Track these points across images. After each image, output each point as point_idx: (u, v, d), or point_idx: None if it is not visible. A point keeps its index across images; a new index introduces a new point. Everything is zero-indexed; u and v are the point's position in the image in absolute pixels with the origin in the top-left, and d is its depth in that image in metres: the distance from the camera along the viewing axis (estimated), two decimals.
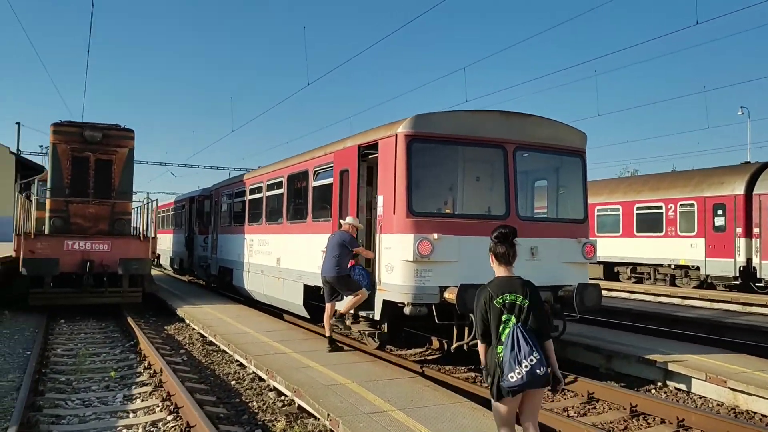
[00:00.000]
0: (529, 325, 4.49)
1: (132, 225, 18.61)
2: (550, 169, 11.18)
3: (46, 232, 16.03)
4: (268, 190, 15.35)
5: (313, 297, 12.13)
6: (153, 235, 17.36)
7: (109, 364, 10.38)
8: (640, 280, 24.82)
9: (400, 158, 9.31)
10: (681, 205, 22.76)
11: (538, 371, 4.31)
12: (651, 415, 7.98)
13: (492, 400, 4.63)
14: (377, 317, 9.79)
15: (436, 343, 12.14)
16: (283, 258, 13.89)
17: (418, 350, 12.14)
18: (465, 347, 9.30)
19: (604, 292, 11.02)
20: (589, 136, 10.67)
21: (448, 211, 10.27)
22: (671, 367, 9.34)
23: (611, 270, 25.79)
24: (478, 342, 4.72)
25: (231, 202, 18.96)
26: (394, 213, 9.34)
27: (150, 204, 17.54)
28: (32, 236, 15.32)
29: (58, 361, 10.58)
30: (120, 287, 16.16)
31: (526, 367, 4.29)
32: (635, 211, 24.58)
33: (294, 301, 13.20)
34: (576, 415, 8.19)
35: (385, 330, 10.05)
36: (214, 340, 11.95)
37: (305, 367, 8.93)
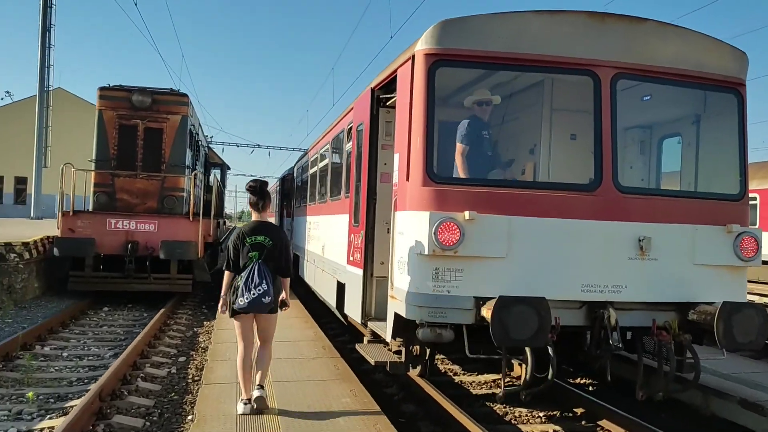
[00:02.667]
0: (269, 262, 5.52)
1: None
2: (678, 110, 7.11)
3: (90, 208, 14.40)
4: (320, 161, 12.46)
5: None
6: (212, 215, 15.23)
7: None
8: None
9: (417, 91, 5.87)
10: None
11: (263, 300, 5.37)
12: None
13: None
14: (387, 336, 6.48)
15: (517, 369, 8.59)
16: (326, 245, 10.94)
17: (489, 378, 8.63)
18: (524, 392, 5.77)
19: None
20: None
21: (494, 177, 6.64)
22: None
23: None
24: (226, 271, 5.63)
25: (300, 179, 16.37)
26: (407, 179, 5.95)
27: (204, 177, 15.35)
28: (71, 213, 13.71)
29: None
30: (169, 273, 14.21)
31: (253, 294, 5.34)
32: None
33: (331, 300, 10.21)
34: None
35: (405, 353, 6.68)
36: None
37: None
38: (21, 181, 44.67)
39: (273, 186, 30.29)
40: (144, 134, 14.58)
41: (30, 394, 6.99)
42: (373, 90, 7.37)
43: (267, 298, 5.36)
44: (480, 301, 5.60)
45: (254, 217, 5.78)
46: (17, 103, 45.79)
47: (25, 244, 13.70)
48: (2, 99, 54.21)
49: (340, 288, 9.24)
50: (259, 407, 5.61)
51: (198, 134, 17.47)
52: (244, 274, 5.40)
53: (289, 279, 5.84)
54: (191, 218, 14.24)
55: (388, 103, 7.31)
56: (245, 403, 5.65)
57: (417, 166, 5.79)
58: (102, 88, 14.58)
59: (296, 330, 9.90)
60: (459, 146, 6.24)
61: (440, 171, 5.88)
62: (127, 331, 11.57)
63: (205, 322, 12.69)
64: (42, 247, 14.41)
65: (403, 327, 6.16)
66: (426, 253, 5.55)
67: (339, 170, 10.06)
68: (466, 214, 5.53)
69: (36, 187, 30.05)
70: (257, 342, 5.78)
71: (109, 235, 13.75)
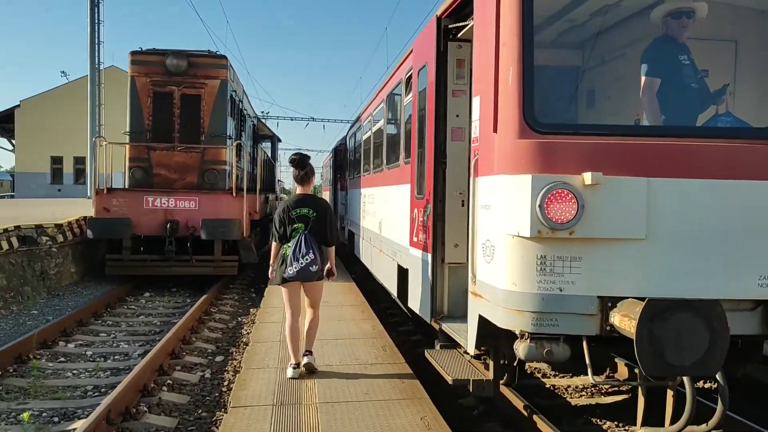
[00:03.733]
0: (314, 233, 5.63)
1: (241, 178, 15.29)
2: None
3: (126, 186, 13.21)
4: (373, 125, 10.77)
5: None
6: (257, 189, 13.83)
7: None
8: None
9: (507, 10, 4.06)
10: None
11: (311, 268, 5.53)
12: None
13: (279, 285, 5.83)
14: (469, 347, 4.78)
15: (623, 369, 6.84)
16: (383, 221, 9.31)
17: (586, 380, 6.89)
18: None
19: None
20: None
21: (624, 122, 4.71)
22: None
23: None
24: (273, 242, 5.82)
25: (353, 149, 14.74)
26: (495, 130, 4.19)
27: (247, 149, 13.94)
28: (106, 191, 12.54)
29: None
30: (213, 254, 12.93)
31: (301, 263, 5.49)
32: None
33: (391, 287, 8.62)
34: None
35: (495, 368, 4.97)
36: None
37: None
38: (80, 161, 44.82)
39: (326, 159, 28.90)
40: (180, 102, 13.20)
41: (26, 415, 5.67)
42: (438, 18, 5.60)
43: (314, 266, 5.56)
44: (607, 303, 3.85)
45: (298, 190, 5.91)
46: (72, 83, 45.77)
47: (58, 226, 12.65)
48: (62, 79, 54.64)
49: (402, 274, 7.62)
50: (309, 370, 5.82)
51: (242, 101, 16.04)
52: (291, 245, 5.59)
53: (333, 248, 5.96)
54: (234, 194, 12.85)
55: (459, 35, 5.52)
56: (294, 368, 5.85)
57: (510, 109, 4.02)
58: (134, 53, 13.24)
59: (351, 323, 8.34)
60: (645, 80, 4.32)
61: (545, 114, 4.08)
62: (164, 321, 10.33)
63: (251, 309, 11.35)
64: (78, 228, 13.34)
65: (493, 335, 4.48)
66: (527, 234, 3.82)
67: (396, 132, 8.35)
68: (587, 176, 3.76)
69: (92, 166, 29.61)
70: (305, 308, 5.96)
71: (147, 215, 12.53)
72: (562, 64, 4.46)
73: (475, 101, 4.62)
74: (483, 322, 4.46)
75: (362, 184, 12.29)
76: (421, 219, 6.12)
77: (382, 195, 9.34)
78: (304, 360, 5.86)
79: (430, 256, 5.76)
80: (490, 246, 4.26)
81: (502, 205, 4.07)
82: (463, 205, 5.68)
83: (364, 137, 12.07)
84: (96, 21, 30.63)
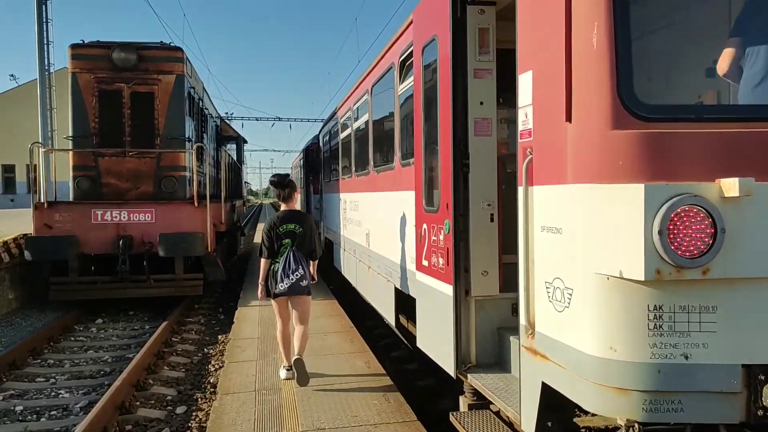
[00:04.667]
0: (301, 248, 5.88)
1: (203, 184, 13.73)
2: None
3: (71, 198, 11.55)
4: (354, 120, 9.36)
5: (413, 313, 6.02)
6: (223, 197, 12.30)
7: None
8: None
9: None
10: None
11: (301, 283, 5.81)
12: None
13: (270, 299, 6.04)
14: (526, 424, 3.41)
15: None
16: (373, 234, 7.92)
17: None
18: None
19: None
20: None
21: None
22: None
23: None
24: (262, 259, 5.94)
25: (329, 148, 13.31)
26: (567, 119, 2.84)
27: (209, 152, 12.44)
28: (46, 205, 10.89)
29: None
30: (173, 273, 11.39)
31: (291, 279, 5.76)
32: None
33: (386, 314, 7.24)
34: None
35: None
36: None
37: None
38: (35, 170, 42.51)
39: (295, 159, 27.39)
40: (130, 100, 11.58)
41: None
42: None
43: (304, 281, 5.84)
44: (758, 375, 2.53)
45: (283, 207, 6.11)
46: (22, 87, 43.29)
47: None
48: (11, 82, 51.96)
49: (402, 299, 6.26)
50: (298, 369, 5.87)
51: (202, 100, 14.45)
52: (281, 261, 5.82)
53: (317, 260, 6.21)
54: (196, 203, 11.31)
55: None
56: (287, 369, 6.14)
57: (596, 85, 2.68)
58: (74, 46, 11.57)
59: (339, 359, 6.92)
60: (728, 51, 2.92)
61: (651, 93, 2.75)
62: (117, 357, 8.79)
63: (219, 336, 9.87)
64: (17, 248, 11.64)
65: (559, 405, 3.14)
66: (641, 276, 2.48)
67: (387, 128, 6.97)
68: (729, 184, 2.43)
69: (29, 177, 27.60)
70: (293, 324, 6.09)
71: (96, 230, 10.91)
72: (670, 19, 3.13)
73: (525, 79, 3.27)
74: (548, 392, 3.11)
75: (342, 188, 10.89)
76: (433, 238, 4.76)
77: (369, 203, 7.95)
78: (294, 358, 5.97)
79: (450, 287, 4.39)
80: (563, 289, 2.91)
81: (587, 231, 2.72)
82: (492, 219, 4.33)
83: (343, 135, 10.66)
84: (44, 20, 28.51)
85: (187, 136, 12.03)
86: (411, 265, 5.58)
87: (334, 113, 12.25)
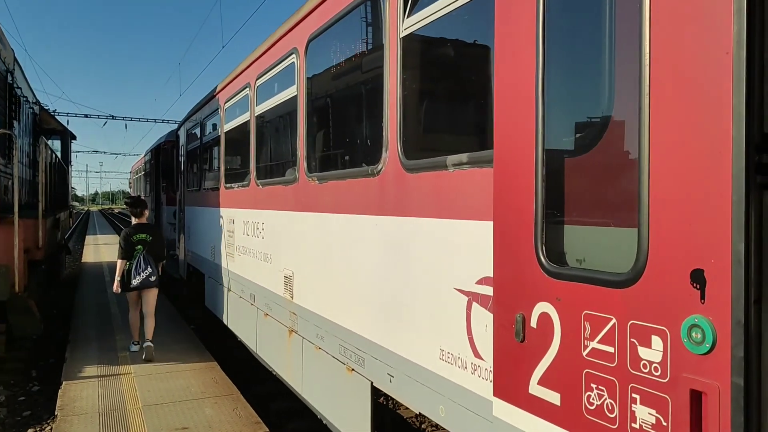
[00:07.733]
0: (151, 252, 7.57)
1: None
2: None
3: None
4: (260, 105, 6.27)
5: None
6: (40, 210, 8.48)
7: None
8: None
9: None
10: None
11: (150, 279, 7.52)
12: None
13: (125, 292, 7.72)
14: None
15: None
16: (296, 273, 4.90)
17: None
18: None
19: None
20: None
21: None
22: None
23: None
24: (119, 259, 7.57)
25: (199, 143, 9.93)
26: None
27: (22, 145, 8.62)
28: None
29: None
30: None
31: (142, 276, 7.46)
32: None
33: (340, 425, 4.26)
34: None
35: None
36: None
37: None
38: None
39: (137, 162, 23.06)
40: None
41: None
42: None
43: (153, 277, 7.55)
44: None
45: (134, 221, 7.86)
46: None
47: None
48: None
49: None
50: (148, 356, 7.48)
51: (11, 73, 10.32)
52: (134, 262, 7.50)
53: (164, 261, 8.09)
54: None
55: None
56: (135, 343, 8.00)
57: None
58: None
59: None
60: None
61: None
62: None
63: (31, 429, 6.24)
64: None
65: None
66: None
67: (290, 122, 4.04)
68: None
69: None
70: (144, 314, 7.77)
71: None
72: None
73: None
74: None
75: (226, 201, 7.69)
76: (599, 348, 1.95)
77: (305, 227, 4.92)
78: (147, 344, 7.58)
79: None
80: None
81: None
82: None
83: (230, 126, 7.48)
84: None
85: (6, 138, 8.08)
86: (468, 380, 2.71)
87: (209, 98, 8.93)
